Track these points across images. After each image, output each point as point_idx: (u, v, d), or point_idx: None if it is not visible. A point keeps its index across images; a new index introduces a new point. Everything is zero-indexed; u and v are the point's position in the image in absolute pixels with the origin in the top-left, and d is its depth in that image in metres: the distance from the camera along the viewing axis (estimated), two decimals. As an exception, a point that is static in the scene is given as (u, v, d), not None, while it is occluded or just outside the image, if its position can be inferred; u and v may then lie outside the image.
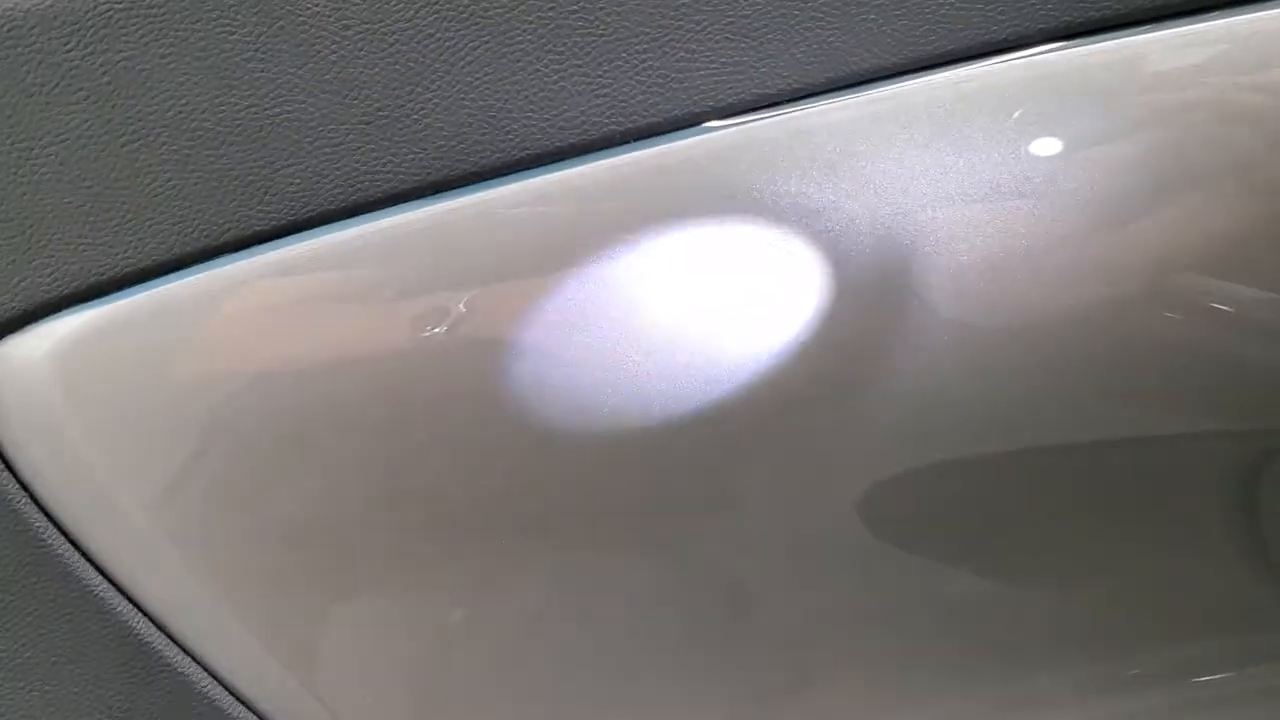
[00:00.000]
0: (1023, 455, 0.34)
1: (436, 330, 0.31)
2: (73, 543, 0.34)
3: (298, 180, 0.31)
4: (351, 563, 0.34)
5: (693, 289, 0.31)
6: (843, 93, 0.30)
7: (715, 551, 0.35)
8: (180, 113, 0.30)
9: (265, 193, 0.31)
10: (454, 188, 0.31)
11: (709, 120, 0.31)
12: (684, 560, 0.35)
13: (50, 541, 0.34)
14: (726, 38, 0.30)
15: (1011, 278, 0.31)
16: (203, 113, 0.30)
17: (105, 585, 0.34)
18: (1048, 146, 0.30)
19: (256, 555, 0.34)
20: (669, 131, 0.31)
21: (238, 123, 0.30)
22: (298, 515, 0.33)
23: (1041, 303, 0.31)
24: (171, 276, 0.32)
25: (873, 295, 0.31)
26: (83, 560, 0.34)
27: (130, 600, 0.35)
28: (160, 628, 0.35)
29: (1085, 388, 0.33)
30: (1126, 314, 0.31)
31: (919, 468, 0.34)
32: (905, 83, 0.30)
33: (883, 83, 0.30)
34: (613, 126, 0.30)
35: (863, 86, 0.31)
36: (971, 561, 0.36)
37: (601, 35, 0.30)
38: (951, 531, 0.35)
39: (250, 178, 0.31)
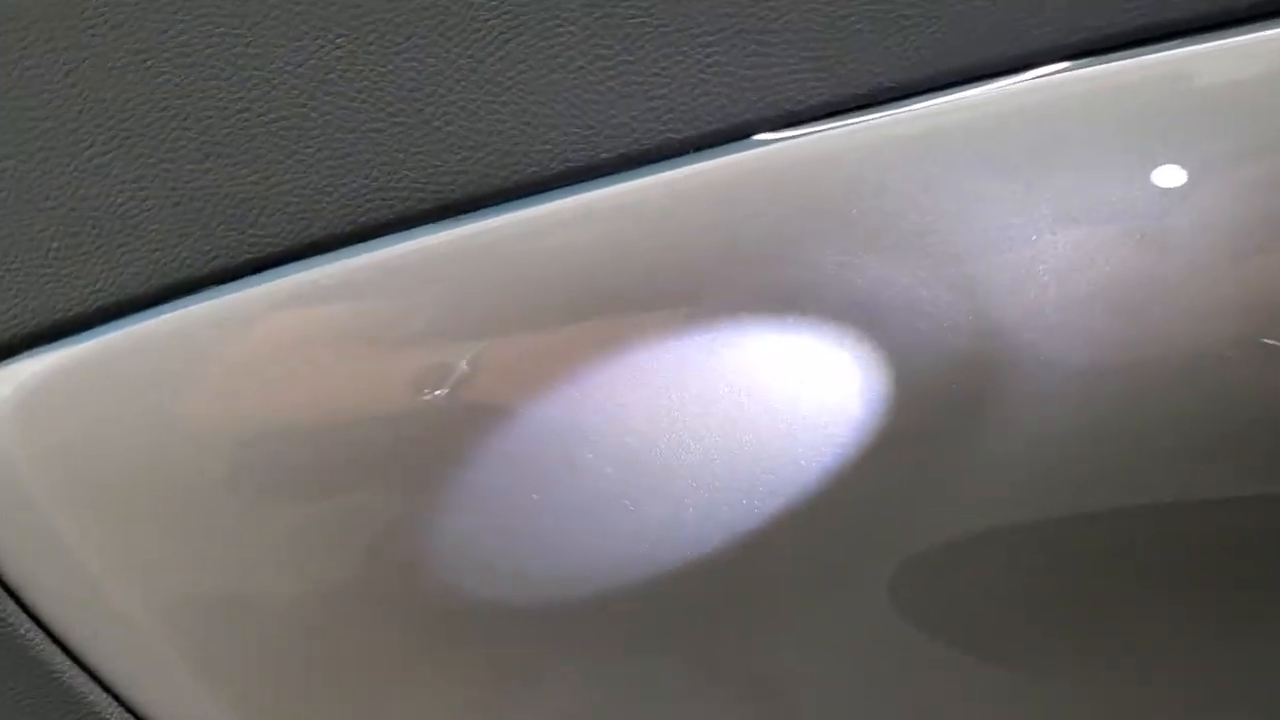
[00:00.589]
0: (1087, 530, 0.31)
1: (458, 377, 0.29)
2: (31, 615, 0.32)
3: (296, 200, 0.29)
4: (345, 654, 0.32)
5: (752, 329, 0.29)
6: (914, 100, 0.28)
7: (750, 644, 0.33)
8: (158, 119, 0.29)
9: (259, 214, 0.29)
10: (478, 208, 0.29)
11: (759, 132, 0.28)
12: (718, 656, 0.33)
13: (6, 613, 0.32)
14: (795, 33, 0.27)
15: (1093, 315, 0.28)
16: (185, 119, 0.29)
17: (68, 663, 0.32)
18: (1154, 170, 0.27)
19: (234, 626, 0.32)
20: (719, 144, 0.28)
21: (226, 132, 0.28)
22: (284, 584, 0.31)
23: (1109, 345, 0.28)
24: (149, 312, 0.30)
25: (944, 340, 0.28)
26: (43, 634, 0.32)
27: (95, 679, 0.33)
28: (129, 709, 0.33)
29: (1156, 446, 0.30)
30: (1193, 358, 0.29)
31: (965, 546, 0.31)
32: (973, 90, 0.28)
33: (954, 89, 0.28)
34: (670, 134, 0.28)
35: (937, 93, 0.27)
36: (1037, 652, 0.33)
37: (659, 27, 0.27)
38: (1004, 620, 0.33)
39: (241, 197, 0.29)
